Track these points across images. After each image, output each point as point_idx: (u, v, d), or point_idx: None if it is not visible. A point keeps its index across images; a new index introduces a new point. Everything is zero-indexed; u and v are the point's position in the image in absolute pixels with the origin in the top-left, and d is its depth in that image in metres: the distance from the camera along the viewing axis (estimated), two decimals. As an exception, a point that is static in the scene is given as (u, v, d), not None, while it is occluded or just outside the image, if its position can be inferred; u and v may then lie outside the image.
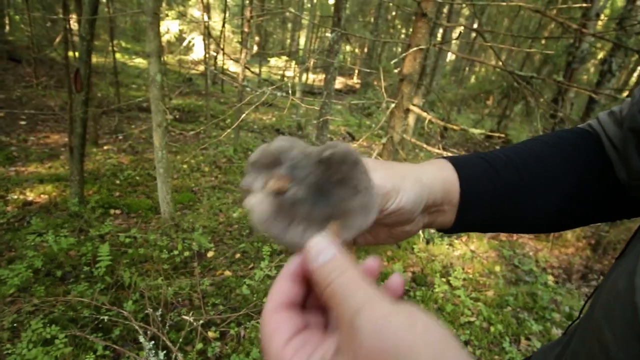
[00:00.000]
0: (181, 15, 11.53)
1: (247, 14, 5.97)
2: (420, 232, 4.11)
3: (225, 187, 4.83)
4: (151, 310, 2.17)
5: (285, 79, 13.69)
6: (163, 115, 3.20)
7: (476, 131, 2.85)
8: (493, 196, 0.46)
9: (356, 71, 19.41)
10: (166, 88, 8.36)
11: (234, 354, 2.24)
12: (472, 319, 3.02)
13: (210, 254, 3.29)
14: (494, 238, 4.92)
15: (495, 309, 3.24)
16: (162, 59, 3.16)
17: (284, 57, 16.61)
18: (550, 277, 4.11)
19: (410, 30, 2.94)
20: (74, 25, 5.41)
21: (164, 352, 1.90)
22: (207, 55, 8.78)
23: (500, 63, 3.21)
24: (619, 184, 0.47)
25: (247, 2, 6.39)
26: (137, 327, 2.00)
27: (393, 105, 3.03)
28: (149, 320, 2.23)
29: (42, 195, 3.79)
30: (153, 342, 1.92)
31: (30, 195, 3.75)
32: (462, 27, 10.60)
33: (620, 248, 4.69)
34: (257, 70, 12.06)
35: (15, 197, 3.67)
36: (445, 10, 8.79)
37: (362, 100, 3.55)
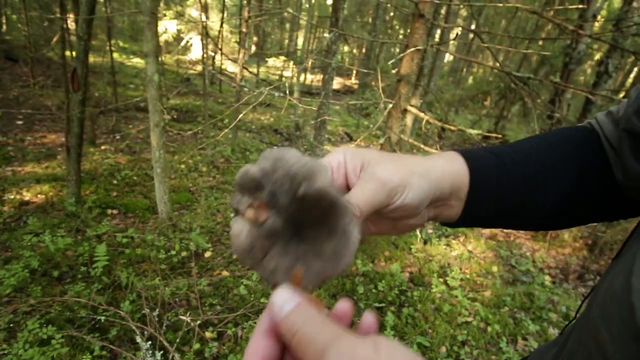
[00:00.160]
0: (179, 15, 11.51)
1: (245, 14, 5.97)
2: (418, 232, 4.12)
3: (222, 187, 4.82)
4: (148, 310, 2.17)
5: (283, 79, 13.69)
6: (161, 115, 3.20)
7: (473, 132, 2.86)
8: (500, 192, 0.46)
9: (354, 72, 19.42)
10: (164, 88, 8.34)
11: (231, 354, 2.23)
12: (469, 319, 3.03)
13: (207, 254, 3.29)
14: (491, 238, 4.93)
15: (492, 309, 3.24)
16: (159, 58, 3.16)
17: (282, 58, 16.61)
18: (547, 278, 4.12)
19: (408, 31, 2.94)
20: (71, 24, 5.40)
21: (161, 352, 1.90)
22: (205, 55, 8.78)
23: (498, 64, 3.22)
24: (617, 184, 0.47)
25: (245, 2, 6.38)
26: (134, 328, 1.99)
27: (391, 105, 3.04)
28: (146, 321, 2.23)
29: (38, 195, 3.78)
30: (150, 342, 1.92)
31: (27, 195, 3.74)
32: (460, 28, 10.61)
33: (616, 249, 4.71)
34: (255, 70, 12.05)
35: (12, 197, 3.66)
36: (443, 11, 8.81)
37: (359, 101, 3.55)
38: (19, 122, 5.77)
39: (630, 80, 12.54)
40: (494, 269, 3.99)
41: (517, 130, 10.74)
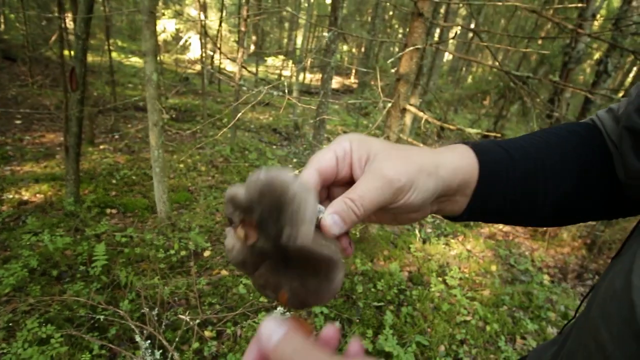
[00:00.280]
0: (178, 14, 11.50)
1: (244, 13, 5.96)
2: (417, 231, 4.12)
3: (221, 186, 4.82)
4: (147, 309, 2.17)
5: (282, 78, 13.68)
6: (159, 114, 3.19)
7: (473, 131, 2.86)
8: (506, 188, 0.46)
9: (353, 71, 19.41)
10: (162, 87, 8.34)
11: (230, 353, 2.23)
12: (468, 318, 3.03)
13: (206, 254, 3.29)
14: (490, 238, 4.94)
15: (491, 308, 3.25)
16: (158, 58, 3.15)
17: (281, 57, 16.61)
18: (546, 277, 4.13)
19: (407, 30, 2.94)
20: (69, 23, 5.39)
21: (160, 351, 1.90)
22: (203, 55, 8.77)
23: (497, 63, 3.22)
24: (618, 182, 0.46)
25: (244, 1, 6.38)
26: (133, 327, 1.99)
27: (390, 104, 3.04)
28: (145, 320, 2.23)
29: (37, 195, 3.77)
30: (149, 341, 1.92)
31: (26, 195, 3.74)
32: (459, 27, 10.62)
33: (615, 248, 4.73)
34: (254, 69, 12.04)
35: (11, 196, 3.65)
36: (442, 10, 8.81)
37: (359, 100, 3.55)
38: (18, 122, 5.76)
39: (629, 79, 12.55)
40: (493, 268, 3.99)
41: (516, 129, 10.75)
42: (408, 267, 3.66)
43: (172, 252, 3.16)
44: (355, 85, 16.57)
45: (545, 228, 5.17)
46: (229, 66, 14.99)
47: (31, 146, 5.01)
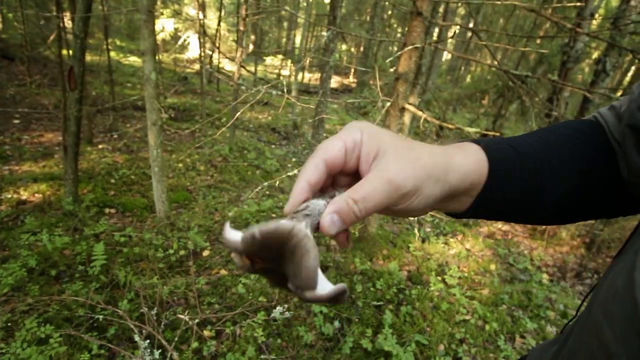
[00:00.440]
0: (176, 14, 11.48)
1: (243, 12, 5.95)
2: (416, 231, 4.12)
3: (220, 186, 4.81)
4: (146, 309, 2.17)
5: (281, 77, 13.67)
6: (158, 113, 3.19)
7: (471, 130, 2.86)
8: (511, 188, 0.45)
9: (352, 70, 19.41)
10: (161, 87, 8.33)
11: (229, 352, 2.23)
12: (467, 317, 3.03)
13: (205, 253, 3.28)
14: (489, 237, 4.94)
15: (490, 307, 3.25)
16: (156, 57, 3.15)
17: (280, 56, 16.60)
18: (545, 276, 4.14)
19: (406, 29, 2.94)
20: (67, 23, 5.38)
21: (159, 351, 1.89)
22: (202, 54, 8.76)
23: (496, 62, 3.22)
24: (621, 180, 0.46)
25: (243, 0, 6.37)
26: (132, 326, 1.99)
27: (389, 104, 3.03)
28: (144, 319, 2.23)
29: (36, 194, 3.77)
30: (148, 341, 1.92)
31: (24, 194, 3.73)
32: (458, 26, 10.62)
33: (614, 246, 4.74)
34: (252, 68, 12.03)
35: (9, 196, 3.65)
36: (441, 9, 8.81)
37: (358, 99, 3.55)
38: (16, 121, 5.75)
39: (627, 78, 12.57)
40: (492, 267, 4.00)
41: (515, 128, 10.77)
42: (407, 267, 3.67)
43: (171, 251, 3.15)
44: (354, 85, 16.56)
45: (544, 227, 5.18)
46: (228, 65, 14.97)
47: (29, 146, 4.99)
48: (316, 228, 0.37)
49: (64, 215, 3.43)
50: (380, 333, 2.59)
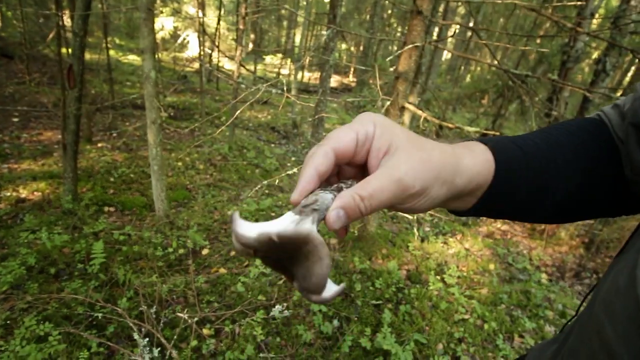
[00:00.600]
0: (176, 12, 11.46)
1: (242, 10, 5.94)
2: (415, 230, 4.12)
3: (220, 184, 4.81)
4: (145, 307, 2.17)
5: (281, 76, 13.65)
6: (157, 112, 3.18)
7: (471, 129, 2.85)
8: (516, 189, 0.45)
9: (352, 69, 19.40)
10: (160, 85, 8.32)
11: (228, 350, 2.23)
12: (466, 317, 3.04)
13: (205, 252, 3.28)
14: (488, 236, 4.94)
15: (489, 307, 3.25)
16: (156, 55, 3.14)
17: (280, 55, 16.58)
18: (544, 275, 4.14)
19: (406, 28, 2.94)
20: (67, 21, 5.37)
21: (159, 349, 1.90)
22: (201, 53, 8.75)
23: (496, 61, 3.22)
24: (624, 179, 0.46)
25: (243, -1, 6.35)
26: (131, 324, 1.99)
27: (388, 103, 3.03)
28: (143, 318, 2.23)
29: (35, 193, 3.76)
30: (147, 339, 1.92)
31: (23, 193, 3.72)
32: (458, 25, 10.62)
33: (613, 246, 4.75)
34: (252, 67, 12.02)
35: (8, 194, 3.64)
36: (441, 8, 8.81)
37: (357, 98, 3.55)
38: (15, 119, 5.74)
39: (627, 78, 12.57)
40: (491, 266, 4.00)
41: (515, 128, 10.78)
42: (406, 266, 3.67)
43: (171, 250, 3.15)
44: (353, 84, 16.55)
45: (543, 227, 5.19)
46: (227, 64, 14.96)
47: (29, 144, 4.99)
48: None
49: (63, 214, 3.43)
50: (379, 332, 2.59)
